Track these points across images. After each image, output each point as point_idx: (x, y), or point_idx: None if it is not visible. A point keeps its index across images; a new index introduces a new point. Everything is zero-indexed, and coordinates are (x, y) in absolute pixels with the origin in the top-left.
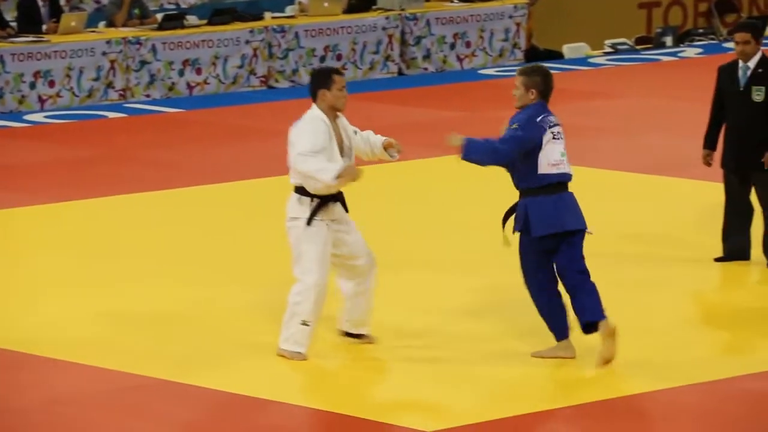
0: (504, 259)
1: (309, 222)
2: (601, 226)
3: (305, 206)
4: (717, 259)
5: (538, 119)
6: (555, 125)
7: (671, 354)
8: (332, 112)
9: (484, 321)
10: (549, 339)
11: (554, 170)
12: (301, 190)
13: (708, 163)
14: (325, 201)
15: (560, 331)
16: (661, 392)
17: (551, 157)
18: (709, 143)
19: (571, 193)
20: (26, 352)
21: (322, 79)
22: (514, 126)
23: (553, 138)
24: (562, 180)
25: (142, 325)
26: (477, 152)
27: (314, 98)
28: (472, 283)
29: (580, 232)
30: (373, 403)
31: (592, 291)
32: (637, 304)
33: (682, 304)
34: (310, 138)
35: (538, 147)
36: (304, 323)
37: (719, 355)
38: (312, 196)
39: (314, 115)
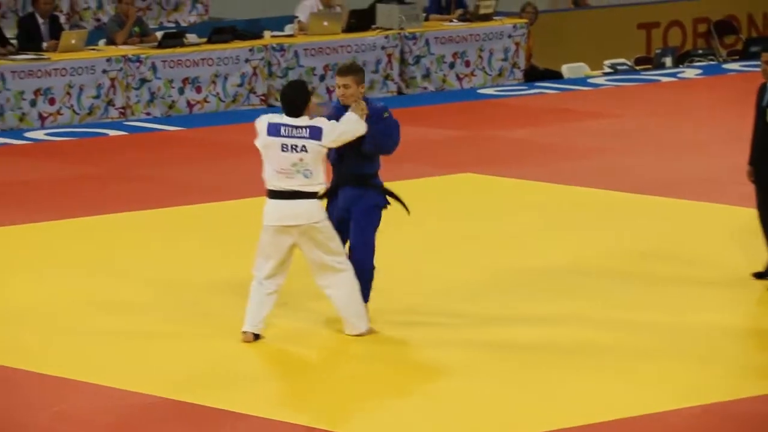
0: (503, 281)
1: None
2: (603, 244)
3: (323, 208)
4: (756, 275)
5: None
6: None
7: (688, 374)
8: None
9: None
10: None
11: None
12: (317, 195)
13: (751, 180)
14: None
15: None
16: (673, 412)
17: None
18: (751, 159)
19: None
20: (30, 370)
21: (307, 93)
22: (387, 115)
23: None
24: None
25: (148, 344)
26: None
27: (301, 113)
28: (463, 302)
29: None
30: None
31: None
32: (651, 323)
33: (702, 324)
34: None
35: None
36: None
37: (736, 376)
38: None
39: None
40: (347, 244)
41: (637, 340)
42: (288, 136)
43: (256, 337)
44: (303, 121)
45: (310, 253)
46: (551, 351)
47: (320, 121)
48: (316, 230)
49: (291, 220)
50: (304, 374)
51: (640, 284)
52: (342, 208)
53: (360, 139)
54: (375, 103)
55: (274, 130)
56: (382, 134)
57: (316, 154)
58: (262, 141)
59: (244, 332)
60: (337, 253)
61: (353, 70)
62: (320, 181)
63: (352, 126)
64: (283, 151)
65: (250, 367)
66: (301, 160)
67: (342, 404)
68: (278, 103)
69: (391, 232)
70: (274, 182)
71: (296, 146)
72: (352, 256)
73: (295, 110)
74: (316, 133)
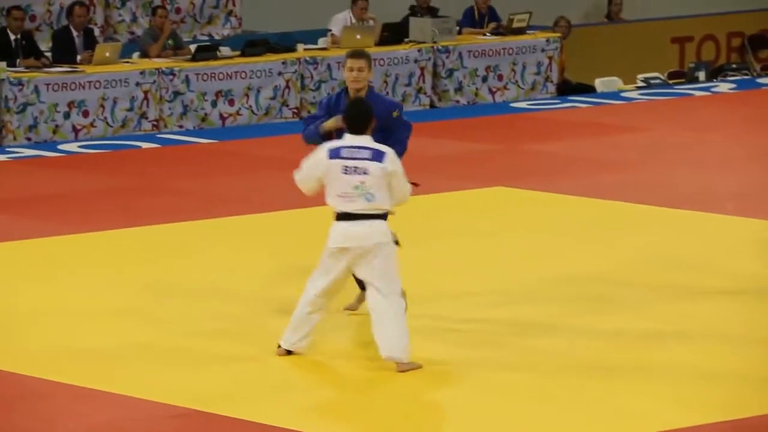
0: (536, 294)
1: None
2: (635, 258)
3: (389, 229)
4: None
5: None
6: None
7: (716, 389)
8: None
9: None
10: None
11: None
12: (386, 216)
13: None
14: None
15: None
16: (701, 427)
17: None
18: None
19: None
20: (59, 381)
21: (371, 110)
22: (397, 114)
23: None
24: None
25: (177, 355)
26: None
27: (365, 130)
28: (496, 315)
29: None
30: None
31: None
32: (681, 336)
33: (733, 337)
34: None
35: None
36: None
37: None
38: None
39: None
40: None
41: (666, 353)
42: (349, 158)
43: (289, 352)
44: (366, 141)
45: (361, 272)
46: (581, 365)
47: (385, 148)
48: (377, 250)
49: (352, 241)
50: (337, 388)
51: (670, 297)
52: None
53: None
54: (387, 98)
55: (334, 153)
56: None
57: (378, 177)
58: (324, 167)
59: (279, 346)
60: (387, 277)
61: (367, 54)
62: (384, 205)
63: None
64: (344, 173)
65: (280, 379)
66: (362, 182)
67: (371, 419)
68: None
69: (423, 246)
70: (337, 206)
71: (357, 168)
72: None
73: (359, 126)
74: (378, 156)
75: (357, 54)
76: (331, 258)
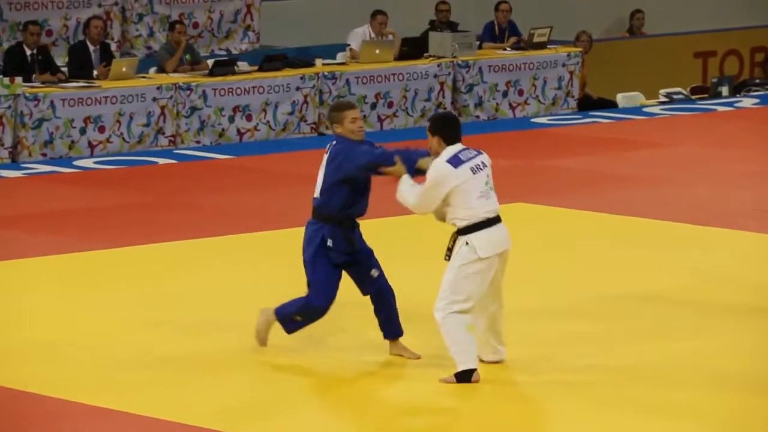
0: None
1: None
2: (656, 274)
3: None
4: None
5: None
6: None
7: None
8: None
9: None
10: None
11: None
12: None
13: None
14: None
15: None
16: None
17: None
18: None
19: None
20: (75, 401)
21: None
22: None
23: None
24: None
25: (189, 373)
26: None
27: (460, 140)
28: (520, 329)
29: None
30: None
31: None
32: (703, 351)
33: (756, 353)
34: None
35: None
36: None
37: None
38: None
39: None
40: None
41: (687, 369)
42: (469, 159)
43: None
44: (464, 145)
45: (496, 278)
46: (609, 382)
47: None
48: (508, 254)
49: (504, 244)
50: (357, 404)
51: (693, 313)
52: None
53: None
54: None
55: (456, 161)
56: None
57: (490, 169)
58: (454, 178)
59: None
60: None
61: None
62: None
63: None
64: (474, 173)
65: (300, 397)
66: (488, 176)
67: None
68: (328, 132)
69: (444, 262)
70: (480, 211)
71: (479, 165)
72: (385, 283)
73: (459, 134)
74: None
75: (352, 104)
76: (485, 271)
